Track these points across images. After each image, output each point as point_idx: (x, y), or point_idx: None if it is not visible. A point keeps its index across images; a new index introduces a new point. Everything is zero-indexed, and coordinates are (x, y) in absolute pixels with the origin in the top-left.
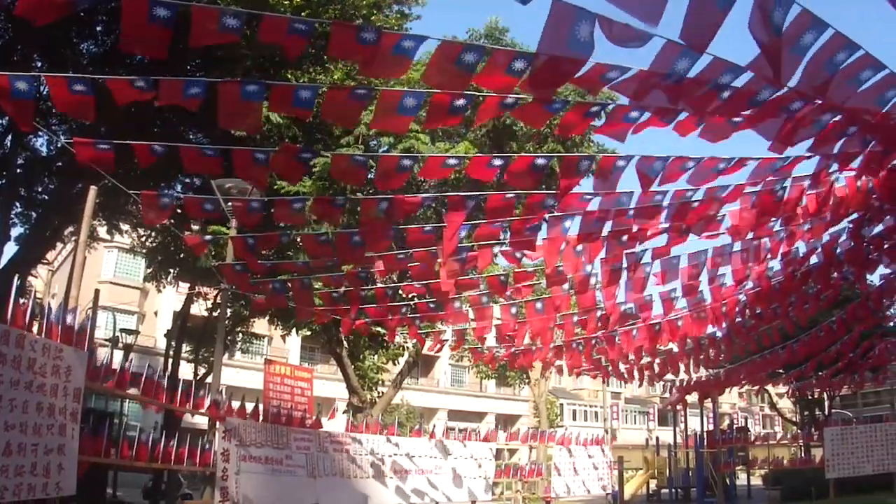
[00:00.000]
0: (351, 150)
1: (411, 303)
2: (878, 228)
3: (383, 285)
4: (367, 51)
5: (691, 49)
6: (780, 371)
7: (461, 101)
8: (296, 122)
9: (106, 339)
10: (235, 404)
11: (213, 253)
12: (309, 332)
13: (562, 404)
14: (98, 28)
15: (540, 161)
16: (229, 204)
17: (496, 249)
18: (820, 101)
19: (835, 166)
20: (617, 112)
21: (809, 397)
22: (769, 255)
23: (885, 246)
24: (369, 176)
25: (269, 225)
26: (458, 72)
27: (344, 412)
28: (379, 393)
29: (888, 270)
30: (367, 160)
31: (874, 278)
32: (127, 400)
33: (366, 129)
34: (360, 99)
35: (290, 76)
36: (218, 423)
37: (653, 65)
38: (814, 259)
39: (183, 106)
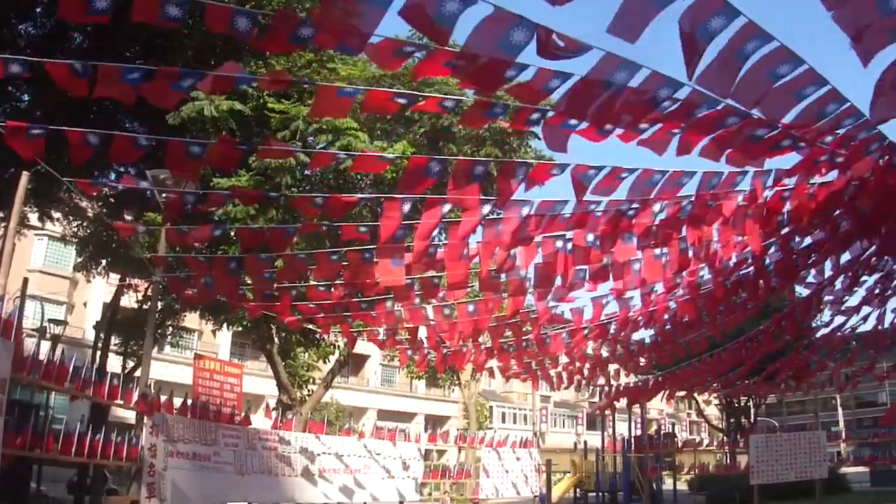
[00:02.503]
0: (289, 144)
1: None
2: (807, 241)
3: (316, 282)
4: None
5: (623, 39)
6: (709, 380)
7: (402, 100)
8: (233, 115)
9: (33, 329)
10: (164, 399)
11: (145, 244)
12: (240, 328)
13: (491, 406)
14: (38, 10)
15: (479, 168)
16: (163, 195)
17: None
18: (757, 115)
19: (769, 180)
20: (556, 119)
21: (736, 405)
22: (701, 263)
23: (813, 258)
24: (306, 172)
25: (202, 219)
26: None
27: (273, 409)
28: (309, 391)
29: (815, 281)
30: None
31: (801, 290)
32: (53, 392)
33: (303, 124)
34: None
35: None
36: (146, 417)
37: (590, 75)
38: (744, 269)
39: (119, 98)
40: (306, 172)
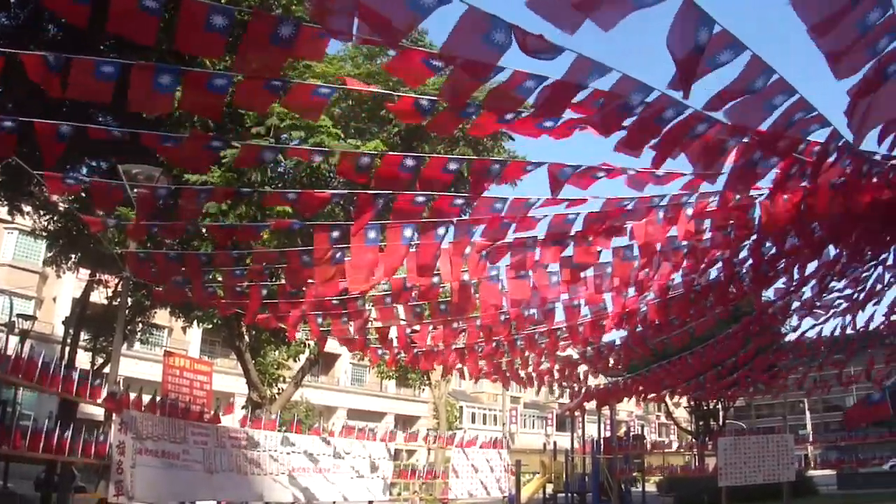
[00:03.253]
0: (261, 141)
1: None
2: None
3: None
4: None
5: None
6: (678, 382)
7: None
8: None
9: (2, 324)
10: (133, 396)
11: (116, 239)
12: (210, 325)
13: (461, 407)
14: (12, 0)
15: (452, 165)
16: (135, 190)
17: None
18: (729, 124)
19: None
20: (529, 119)
21: (705, 408)
22: (673, 268)
23: (783, 264)
24: (279, 170)
25: (173, 214)
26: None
27: (243, 408)
28: (279, 389)
29: (783, 287)
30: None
31: (769, 295)
32: (21, 388)
33: (278, 120)
34: (275, 91)
35: (207, 63)
36: (114, 414)
37: (564, 78)
38: (713, 274)
39: (93, 92)
40: (279, 169)
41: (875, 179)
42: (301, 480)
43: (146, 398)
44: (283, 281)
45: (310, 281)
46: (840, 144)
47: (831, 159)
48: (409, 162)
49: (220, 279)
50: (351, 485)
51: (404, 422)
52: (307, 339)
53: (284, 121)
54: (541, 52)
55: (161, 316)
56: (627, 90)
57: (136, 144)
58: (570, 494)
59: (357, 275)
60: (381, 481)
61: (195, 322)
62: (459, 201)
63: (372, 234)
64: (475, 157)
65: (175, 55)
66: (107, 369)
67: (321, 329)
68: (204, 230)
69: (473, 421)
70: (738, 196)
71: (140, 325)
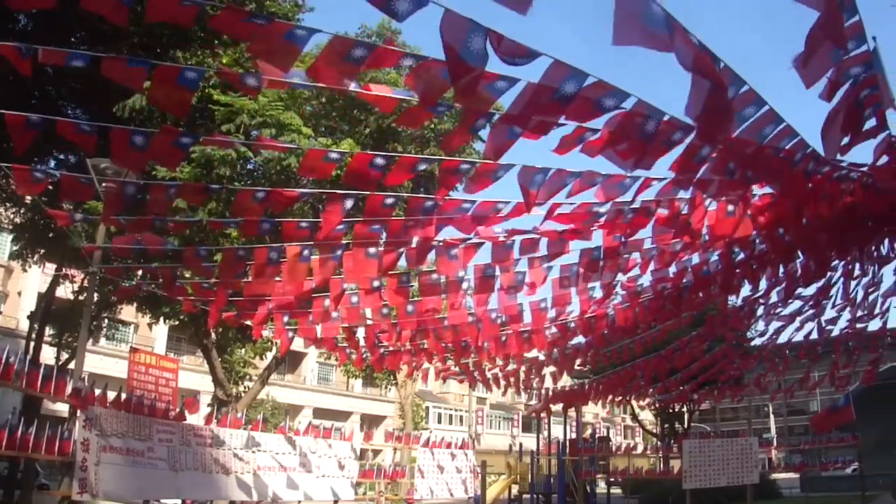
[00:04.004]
0: (232, 138)
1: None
2: (744, 254)
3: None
4: (255, 29)
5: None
6: (643, 385)
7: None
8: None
9: None
10: (98, 392)
11: (83, 234)
12: (177, 322)
13: (427, 407)
14: None
15: (421, 165)
16: (103, 185)
17: (371, 251)
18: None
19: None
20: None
21: (670, 411)
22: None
23: (754, 267)
24: (248, 166)
25: (142, 209)
26: (347, 67)
27: (208, 405)
28: (245, 387)
29: (749, 293)
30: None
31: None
32: None
33: (248, 118)
34: (250, 86)
35: (178, 56)
36: (79, 411)
37: (540, 82)
38: (684, 279)
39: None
40: (248, 166)
41: (842, 187)
42: (266, 479)
43: (111, 395)
44: (250, 279)
45: (277, 279)
46: (807, 153)
47: (799, 167)
48: (379, 161)
49: (187, 275)
50: (316, 484)
51: (370, 421)
52: (274, 337)
53: (255, 118)
54: (516, 57)
55: (127, 312)
56: (602, 95)
57: (105, 139)
58: (535, 496)
59: (324, 272)
60: (347, 481)
61: (162, 319)
62: (429, 203)
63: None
64: (445, 157)
65: (146, 48)
66: (72, 365)
67: (287, 328)
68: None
69: (440, 421)
70: (712, 202)
71: (106, 320)
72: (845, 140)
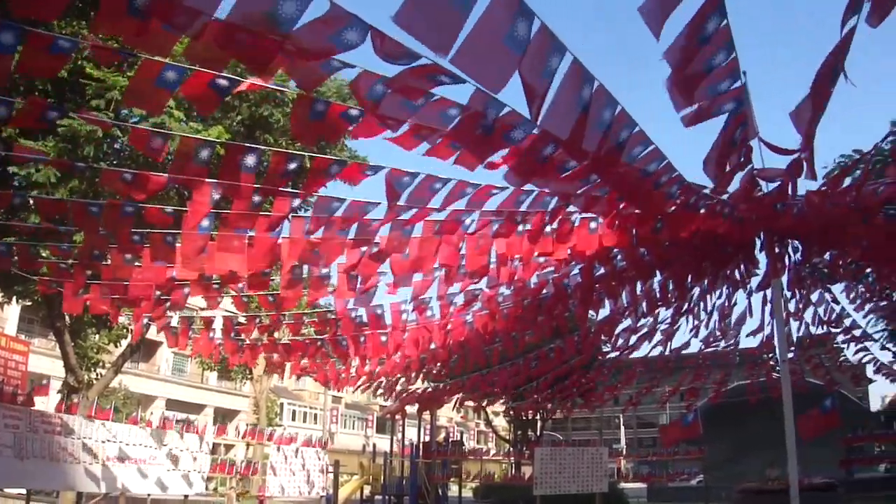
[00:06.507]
0: (101, 115)
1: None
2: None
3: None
4: (137, 25)
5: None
6: (498, 391)
7: (224, 82)
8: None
9: None
10: None
11: None
12: (30, 303)
13: (282, 403)
14: None
15: (292, 164)
16: None
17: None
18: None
19: (576, 208)
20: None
21: (523, 418)
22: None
23: (613, 283)
24: (115, 146)
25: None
26: (223, 53)
27: (59, 392)
28: (97, 374)
29: (608, 310)
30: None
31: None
32: None
33: (119, 94)
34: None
35: (53, 24)
36: None
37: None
38: (545, 291)
39: None
40: (115, 146)
41: (702, 211)
42: (115, 471)
43: None
44: (108, 262)
45: (136, 265)
46: (673, 176)
47: (663, 189)
48: (250, 157)
49: (44, 255)
50: (166, 477)
51: (224, 415)
52: (130, 324)
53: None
54: (395, 57)
55: None
56: (481, 104)
57: None
58: (387, 497)
59: (187, 263)
60: (198, 475)
61: (14, 298)
62: (296, 202)
63: (205, 223)
64: (316, 154)
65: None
66: None
67: (145, 317)
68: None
69: (294, 418)
70: (574, 217)
71: None
72: (723, 172)
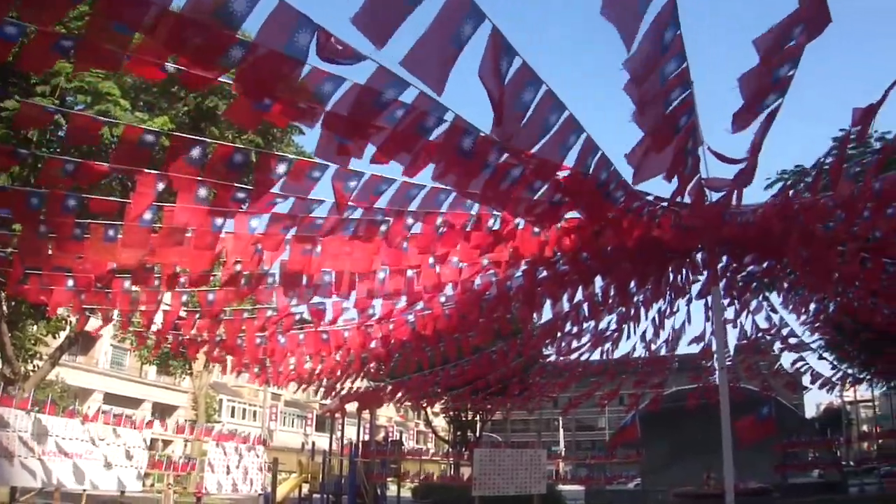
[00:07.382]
0: (45, 101)
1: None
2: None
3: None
4: None
5: (371, 42)
6: (438, 391)
7: (170, 67)
8: None
9: None
10: None
11: None
12: None
13: (221, 400)
14: None
15: (238, 157)
16: None
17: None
18: (508, 152)
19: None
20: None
21: (463, 419)
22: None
23: (555, 287)
24: (59, 134)
25: None
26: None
27: None
28: (34, 366)
29: (553, 312)
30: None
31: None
32: None
33: (65, 81)
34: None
35: None
36: None
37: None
38: (488, 292)
39: None
40: (59, 133)
41: (645, 218)
42: (51, 465)
43: None
44: (50, 252)
45: (78, 256)
46: (619, 182)
47: (603, 192)
48: (196, 149)
49: None
50: (103, 473)
51: (162, 411)
52: (69, 315)
53: (73, 82)
54: (340, 58)
55: None
56: (425, 107)
57: None
58: (325, 495)
59: (128, 254)
60: (135, 471)
61: None
62: (241, 195)
63: (148, 216)
64: (263, 150)
65: None
66: None
67: (84, 308)
68: None
69: (233, 415)
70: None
71: None
72: (673, 182)
